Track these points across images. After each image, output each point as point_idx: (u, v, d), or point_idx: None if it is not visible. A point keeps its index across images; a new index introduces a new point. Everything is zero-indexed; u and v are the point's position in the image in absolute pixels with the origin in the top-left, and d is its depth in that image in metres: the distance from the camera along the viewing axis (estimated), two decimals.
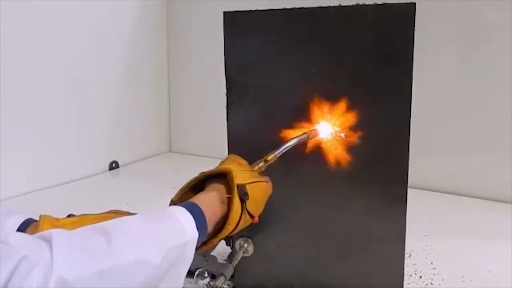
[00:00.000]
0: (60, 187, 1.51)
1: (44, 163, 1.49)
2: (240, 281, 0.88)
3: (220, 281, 0.74)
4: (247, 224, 0.70)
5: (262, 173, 0.76)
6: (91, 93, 1.63)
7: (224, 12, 0.80)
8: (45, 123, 1.49)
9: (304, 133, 0.78)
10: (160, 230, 0.56)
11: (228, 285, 0.89)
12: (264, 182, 0.73)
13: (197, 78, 1.89)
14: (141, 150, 1.88)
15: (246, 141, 0.82)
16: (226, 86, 0.83)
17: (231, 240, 0.85)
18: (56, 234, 0.49)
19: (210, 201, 0.66)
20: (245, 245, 0.85)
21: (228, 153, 0.81)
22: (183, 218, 0.59)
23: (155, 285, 0.53)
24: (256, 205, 0.70)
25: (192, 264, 0.68)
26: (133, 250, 0.51)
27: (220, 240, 0.69)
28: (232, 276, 0.83)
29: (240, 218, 0.67)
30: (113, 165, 1.74)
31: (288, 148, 0.76)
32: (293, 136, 0.78)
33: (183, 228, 0.58)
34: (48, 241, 0.47)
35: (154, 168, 1.82)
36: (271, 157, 0.75)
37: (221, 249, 0.87)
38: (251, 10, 0.79)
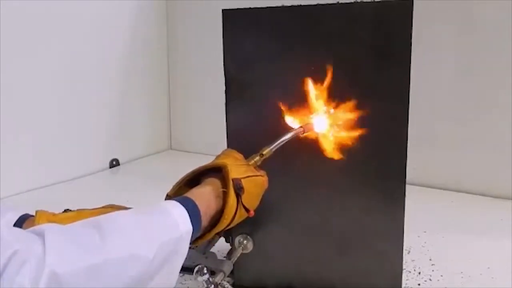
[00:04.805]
0: (60, 185, 1.52)
1: (45, 161, 1.50)
2: (239, 277, 0.88)
3: (219, 278, 0.74)
4: (243, 218, 0.71)
5: (259, 167, 0.76)
6: (92, 91, 1.64)
7: (223, 10, 0.80)
8: (46, 121, 1.49)
9: (300, 127, 0.78)
10: (153, 224, 0.56)
11: (227, 281, 0.89)
12: (260, 176, 0.73)
13: (197, 75, 1.89)
14: (142, 147, 1.89)
15: (245, 138, 0.82)
16: (225, 83, 0.83)
17: (230, 237, 0.85)
18: (49, 228, 0.49)
19: (205, 195, 0.66)
20: (244, 242, 0.85)
21: None
22: (177, 212, 0.59)
23: (148, 280, 0.53)
24: (251, 199, 0.71)
25: (191, 261, 0.68)
26: (125, 244, 0.51)
27: (215, 235, 0.69)
28: (232, 273, 0.83)
29: (236, 212, 0.67)
30: (114, 163, 1.75)
31: (283, 142, 0.76)
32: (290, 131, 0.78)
33: (177, 223, 0.58)
34: (41, 235, 0.47)
35: (154, 165, 1.82)
36: (266, 151, 0.75)
37: (221, 246, 0.88)
38: (249, 8, 0.79)
